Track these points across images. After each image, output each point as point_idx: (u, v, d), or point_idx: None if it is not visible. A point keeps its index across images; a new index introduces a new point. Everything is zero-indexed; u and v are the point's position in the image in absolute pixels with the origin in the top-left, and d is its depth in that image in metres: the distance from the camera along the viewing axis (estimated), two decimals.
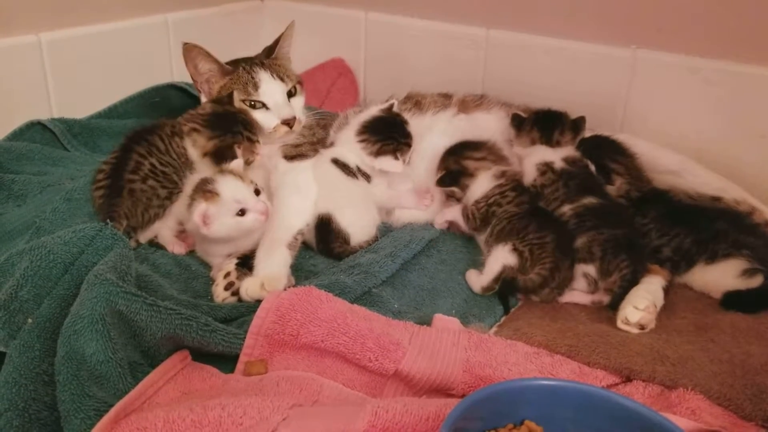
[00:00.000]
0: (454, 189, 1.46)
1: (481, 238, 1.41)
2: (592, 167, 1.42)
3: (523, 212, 1.34)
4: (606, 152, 1.44)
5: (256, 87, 1.46)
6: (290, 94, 1.51)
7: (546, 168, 1.42)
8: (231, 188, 1.25)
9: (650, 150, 1.51)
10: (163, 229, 1.37)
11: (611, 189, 1.41)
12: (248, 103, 1.46)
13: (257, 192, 1.29)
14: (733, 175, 1.49)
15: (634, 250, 1.28)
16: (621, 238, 1.28)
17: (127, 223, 1.30)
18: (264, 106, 1.47)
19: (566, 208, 1.36)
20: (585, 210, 1.34)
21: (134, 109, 1.80)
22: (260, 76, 1.47)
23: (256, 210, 1.25)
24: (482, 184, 1.41)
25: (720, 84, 1.56)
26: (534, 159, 1.45)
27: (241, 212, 1.25)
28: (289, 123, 1.46)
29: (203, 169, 1.38)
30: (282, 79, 1.49)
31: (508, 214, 1.35)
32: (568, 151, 1.45)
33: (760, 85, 1.51)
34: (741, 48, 1.51)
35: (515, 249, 1.29)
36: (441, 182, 1.45)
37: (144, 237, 1.35)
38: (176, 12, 1.96)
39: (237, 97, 1.45)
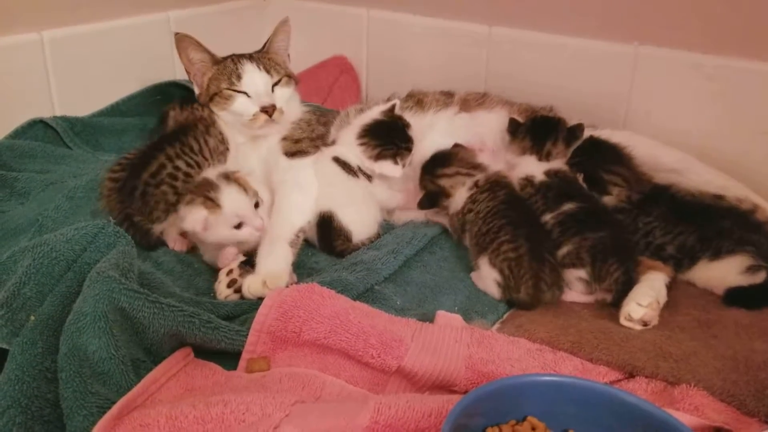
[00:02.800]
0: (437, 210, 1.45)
1: (466, 242, 1.40)
2: (582, 182, 1.40)
3: (497, 206, 1.32)
4: (600, 163, 1.40)
5: (239, 77, 1.47)
6: (276, 86, 1.51)
7: (526, 183, 1.41)
8: (233, 201, 1.26)
9: (651, 148, 1.51)
10: (170, 226, 1.37)
11: (610, 198, 1.38)
12: (232, 92, 1.47)
13: (257, 205, 1.30)
14: (736, 171, 1.48)
15: (621, 250, 1.26)
16: (607, 241, 1.26)
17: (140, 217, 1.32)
18: (246, 95, 1.47)
19: (548, 217, 1.34)
20: (565, 217, 1.32)
21: (136, 107, 1.81)
22: (245, 67, 1.48)
23: (253, 225, 1.27)
24: (459, 198, 1.40)
25: (722, 80, 1.55)
26: (518, 173, 1.43)
27: (239, 225, 1.27)
28: (267, 111, 1.45)
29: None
30: (267, 71, 1.50)
31: (482, 213, 1.33)
32: (557, 163, 1.42)
33: (762, 81, 1.50)
34: (743, 44, 1.51)
35: (493, 264, 1.27)
36: (421, 205, 1.44)
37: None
38: (178, 10, 1.96)
39: (222, 86, 1.47)
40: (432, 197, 1.42)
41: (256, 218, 1.28)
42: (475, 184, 1.39)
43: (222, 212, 1.24)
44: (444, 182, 1.41)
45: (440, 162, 1.44)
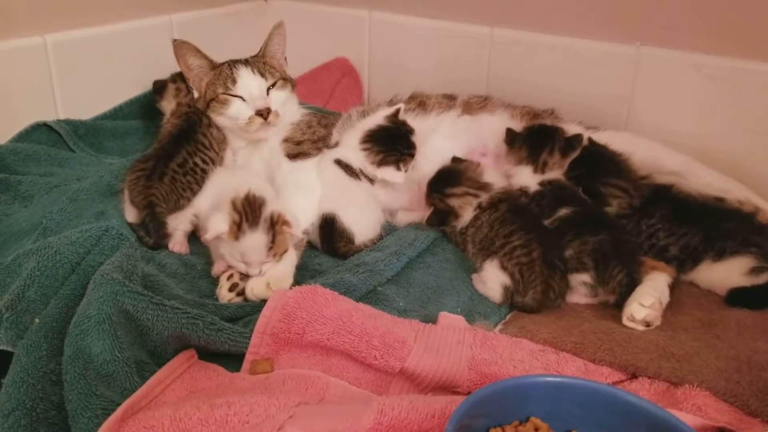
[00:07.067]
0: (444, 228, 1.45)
1: (467, 252, 1.40)
2: (582, 194, 1.38)
3: (501, 215, 1.32)
4: (598, 177, 1.39)
5: (234, 81, 1.48)
6: (272, 89, 1.52)
7: (521, 194, 1.40)
8: (250, 248, 1.23)
9: (653, 151, 1.51)
10: (177, 230, 1.37)
11: (611, 208, 1.37)
12: (228, 96, 1.48)
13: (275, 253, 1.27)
14: (738, 171, 1.49)
15: (622, 252, 1.26)
16: (606, 244, 1.25)
17: (162, 207, 1.34)
18: (241, 99, 1.48)
19: (545, 224, 1.34)
20: (561, 222, 1.32)
21: (139, 110, 1.81)
22: (240, 71, 1.49)
23: (249, 273, 1.25)
24: (467, 218, 1.39)
25: (724, 80, 1.55)
26: (514, 183, 1.43)
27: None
28: (262, 114, 1.46)
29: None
30: (262, 75, 1.50)
31: (486, 224, 1.34)
32: (553, 174, 1.42)
33: (764, 81, 1.50)
34: (745, 44, 1.51)
35: (504, 267, 1.27)
36: (430, 222, 1.43)
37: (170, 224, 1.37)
38: (181, 13, 1.96)
39: (218, 91, 1.49)
40: (441, 216, 1.41)
41: (256, 269, 1.25)
42: (479, 206, 1.38)
43: (235, 246, 1.23)
44: (453, 202, 1.39)
45: (448, 180, 1.41)
